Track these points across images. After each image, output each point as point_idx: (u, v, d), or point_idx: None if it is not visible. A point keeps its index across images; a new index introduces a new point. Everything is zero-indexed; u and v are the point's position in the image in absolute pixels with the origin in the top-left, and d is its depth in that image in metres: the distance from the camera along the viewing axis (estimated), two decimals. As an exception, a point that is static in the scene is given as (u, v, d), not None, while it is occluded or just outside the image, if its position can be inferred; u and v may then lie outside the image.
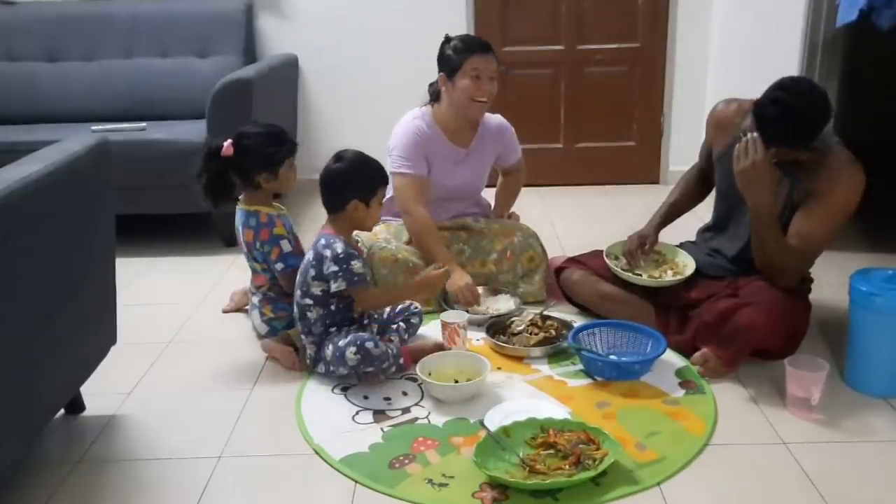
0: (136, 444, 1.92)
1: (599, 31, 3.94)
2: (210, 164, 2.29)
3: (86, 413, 2.03)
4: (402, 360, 2.14)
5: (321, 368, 2.15)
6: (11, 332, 1.50)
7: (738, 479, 1.71)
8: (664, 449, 1.79)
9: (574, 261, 2.54)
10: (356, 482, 1.72)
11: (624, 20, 3.92)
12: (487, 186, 2.90)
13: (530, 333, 2.30)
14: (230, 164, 2.30)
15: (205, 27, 3.75)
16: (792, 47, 2.90)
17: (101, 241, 1.90)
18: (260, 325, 2.40)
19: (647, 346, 2.18)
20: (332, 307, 2.14)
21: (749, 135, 2.03)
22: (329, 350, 2.10)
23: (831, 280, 2.51)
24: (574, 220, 3.57)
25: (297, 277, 2.18)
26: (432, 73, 2.63)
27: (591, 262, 2.49)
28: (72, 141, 1.79)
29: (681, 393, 2.04)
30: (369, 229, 2.29)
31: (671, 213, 2.53)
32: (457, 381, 2.06)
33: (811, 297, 2.27)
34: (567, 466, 1.68)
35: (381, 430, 1.91)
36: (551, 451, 1.74)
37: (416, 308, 2.34)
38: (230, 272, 2.97)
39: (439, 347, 2.24)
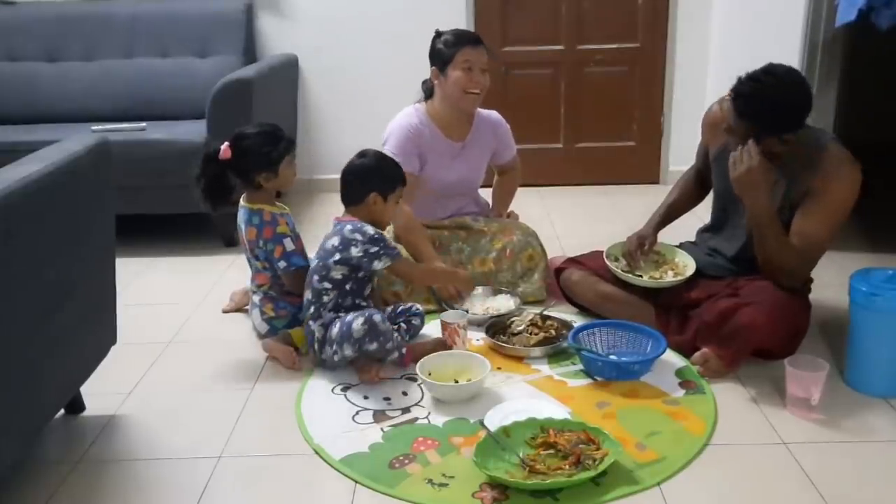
0: (135, 444, 1.92)
1: (599, 31, 3.94)
2: (209, 168, 2.29)
3: (86, 413, 2.03)
4: (404, 350, 2.16)
5: (326, 352, 2.15)
6: (11, 332, 1.50)
7: (738, 479, 1.71)
8: (664, 449, 1.79)
9: (574, 261, 2.54)
10: (356, 482, 1.72)
11: (624, 20, 3.92)
12: (484, 186, 2.90)
13: (530, 333, 2.30)
14: (229, 167, 2.30)
15: (205, 27, 3.75)
16: (792, 47, 2.90)
17: (101, 241, 1.90)
18: (260, 323, 2.40)
19: (647, 346, 2.18)
20: (348, 287, 2.18)
21: (746, 145, 2.05)
22: (336, 328, 2.12)
23: (831, 280, 2.50)
24: (574, 220, 3.57)
25: (317, 263, 2.20)
26: (432, 72, 2.63)
27: (590, 262, 2.49)
28: (72, 141, 1.79)
29: (681, 393, 2.04)
30: (383, 227, 2.29)
31: (670, 213, 2.53)
32: (457, 381, 2.06)
33: (811, 296, 2.27)
34: (567, 466, 1.68)
35: (381, 430, 1.91)
36: (551, 451, 1.74)
37: (418, 310, 2.34)
38: (230, 272, 2.97)
39: (441, 345, 2.25)
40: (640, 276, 2.37)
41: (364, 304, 2.23)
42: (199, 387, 2.17)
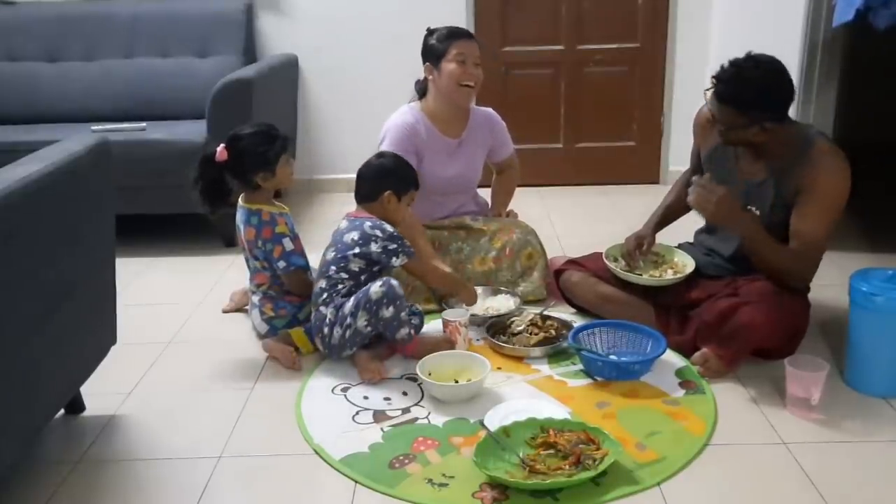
0: (135, 444, 1.92)
1: (599, 31, 3.94)
2: (206, 171, 2.29)
3: (86, 413, 2.03)
4: (413, 332, 2.20)
5: (335, 334, 2.16)
6: (11, 332, 1.50)
7: (738, 479, 1.71)
8: (664, 449, 1.79)
9: (573, 263, 2.54)
10: (356, 482, 1.72)
11: (624, 20, 3.92)
12: (482, 186, 2.90)
13: (530, 333, 2.30)
14: (226, 169, 2.30)
15: (205, 27, 3.75)
16: (792, 47, 2.90)
17: (101, 241, 1.90)
18: (260, 323, 2.40)
19: (647, 346, 2.18)
20: (363, 278, 2.21)
21: (694, 183, 2.08)
22: (351, 301, 2.15)
23: (831, 280, 2.51)
24: (574, 220, 3.57)
25: (334, 255, 2.22)
26: (432, 73, 2.63)
27: (590, 264, 2.49)
28: (72, 141, 1.79)
29: (681, 393, 2.04)
30: (396, 225, 2.30)
31: (667, 215, 2.53)
32: (457, 381, 2.07)
33: (811, 296, 2.27)
34: (567, 466, 1.68)
35: (381, 430, 1.91)
36: (551, 451, 1.74)
37: (417, 309, 2.34)
38: (230, 272, 2.97)
39: (445, 341, 2.26)
40: (641, 275, 2.37)
41: None
42: (198, 387, 2.17)
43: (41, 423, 1.80)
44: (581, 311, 2.51)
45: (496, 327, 2.37)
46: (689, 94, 3.89)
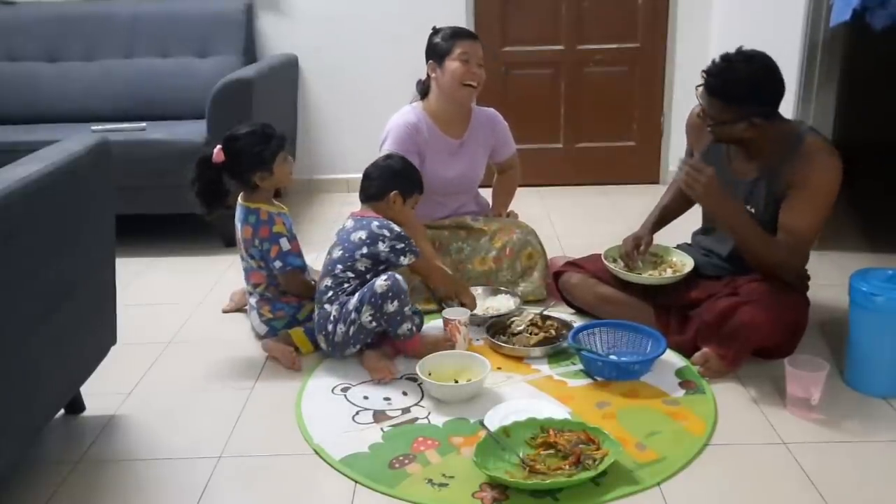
0: (135, 445, 1.92)
1: (599, 31, 3.94)
2: (203, 173, 2.29)
3: (86, 413, 2.03)
4: (415, 328, 2.20)
5: (339, 331, 2.16)
6: (10, 332, 1.50)
7: (738, 479, 1.71)
8: (664, 449, 1.79)
9: (572, 264, 2.54)
10: (356, 482, 1.72)
11: (624, 20, 3.92)
12: (484, 186, 2.90)
13: (530, 333, 2.30)
14: (224, 170, 2.30)
15: (205, 27, 3.75)
16: (792, 47, 2.90)
17: (101, 241, 1.90)
18: (259, 325, 2.40)
19: (646, 346, 2.18)
20: (368, 277, 2.21)
21: (683, 161, 2.10)
22: (356, 297, 2.16)
23: (831, 280, 2.51)
24: (574, 220, 3.58)
25: (340, 254, 2.22)
26: (432, 73, 2.63)
27: (589, 265, 2.49)
28: (72, 141, 1.79)
29: (681, 393, 2.04)
30: (399, 226, 2.30)
31: (665, 215, 2.53)
32: (457, 381, 2.07)
33: (811, 296, 2.27)
34: (567, 466, 1.68)
35: (381, 430, 1.91)
36: (551, 451, 1.74)
37: (416, 308, 2.34)
38: (230, 272, 2.97)
39: (446, 339, 2.26)
40: (640, 274, 2.37)
41: None
42: (199, 387, 2.17)
43: (41, 423, 1.80)
44: (580, 312, 2.51)
45: (496, 327, 2.37)
46: (689, 94, 3.83)
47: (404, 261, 2.23)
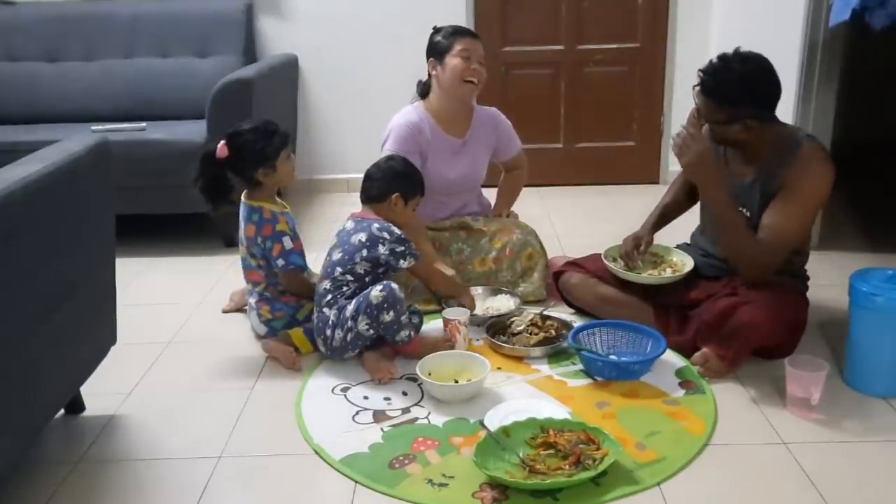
0: (135, 445, 1.92)
1: (599, 31, 3.95)
2: (207, 170, 2.29)
3: (86, 413, 2.03)
4: (413, 333, 2.19)
5: (337, 336, 2.16)
6: (11, 332, 1.50)
7: (738, 479, 1.71)
8: (664, 449, 1.79)
9: (572, 264, 2.54)
10: (356, 482, 1.72)
11: (624, 20, 3.92)
12: (488, 186, 2.90)
13: (530, 333, 2.30)
14: (227, 166, 2.30)
15: (205, 27, 3.75)
16: (792, 47, 2.90)
17: (101, 241, 1.90)
18: (259, 325, 2.40)
19: (646, 346, 2.18)
20: (367, 280, 2.21)
21: (682, 128, 2.09)
22: (353, 304, 2.15)
23: (831, 280, 2.51)
24: (574, 220, 3.58)
25: (340, 256, 2.22)
26: (432, 73, 2.63)
27: (589, 265, 2.49)
28: (72, 141, 1.79)
29: (681, 393, 2.04)
30: (400, 227, 2.30)
31: (665, 214, 2.53)
32: (457, 381, 2.07)
33: (811, 296, 2.27)
34: (567, 466, 1.68)
35: (381, 430, 1.91)
36: (551, 451, 1.74)
37: (416, 308, 2.34)
38: (230, 272, 2.97)
39: (446, 339, 2.26)
40: (640, 274, 2.37)
41: None
42: (199, 387, 2.17)
43: (41, 423, 1.80)
44: (580, 312, 2.51)
45: (496, 327, 2.37)
46: (688, 94, 3.84)
47: (403, 264, 2.22)
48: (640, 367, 2.11)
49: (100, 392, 2.06)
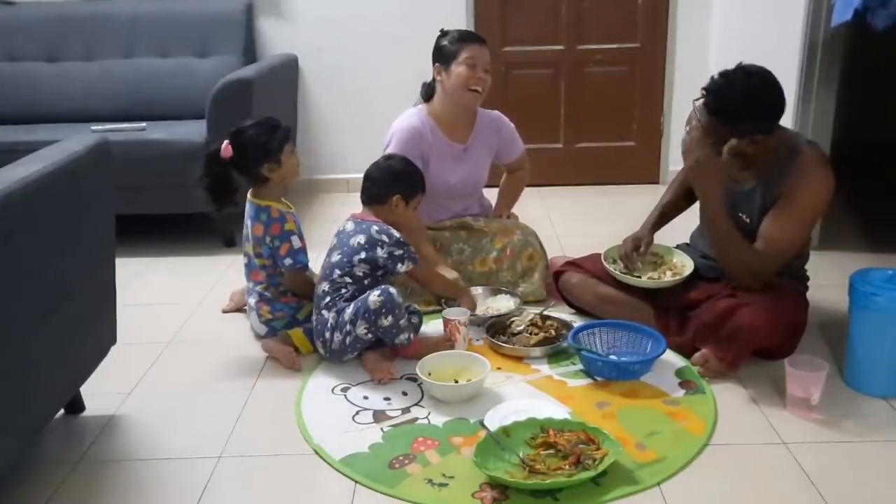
0: (135, 445, 1.92)
1: (599, 31, 3.95)
2: (212, 169, 2.29)
3: (86, 413, 2.03)
4: (412, 336, 2.19)
5: (336, 339, 2.16)
6: (11, 332, 1.50)
7: (738, 479, 1.71)
8: (664, 449, 1.79)
9: (572, 264, 2.54)
10: (356, 482, 1.72)
11: (624, 20, 3.92)
12: (490, 186, 2.90)
13: (530, 333, 2.30)
14: (232, 165, 2.30)
15: (205, 27, 3.75)
16: (792, 47, 2.90)
17: (101, 241, 1.90)
18: (259, 326, 2.40)
19: (647, 346, 2.18)
20: (366, 283, 2.21)
21: (690, 129, 2.07)
22: (351, 307, 2.14)
23: (831, 280, 2.51)
24: (574, 220, 3.58)
25: (339, 258, 2.21)
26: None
27: (589, 265, 2.49)
28: (72, 141, 1.79)
29: (681, 393, 2.04)
30: (400, 229, 2.30)
31: (665, 213, 2.53)
32: (457, 381, 2.07)
33: (811, 296, 2.27)
34: (567, 466, 1.68)
35: (381, 430, 1.91)
36: (551, 451, 1.74)
37: (416, 308, 2.34)
38: (230, 272, 2.97)
39: (445, 339, 2.26)
40: (639, 276, 2.37)
41: None
42: (199, 387, 2.17)
43: (41, 423, 1.80)
44: (580, 312, 2.51)
45: (496, 327, 2.37)
46: (688, 94, 3.82)
47: (401, 268, 2.22)
48: (640, 367, 2.11)
49: (100, 392, 2.06)
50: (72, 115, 3.59)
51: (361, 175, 2.36)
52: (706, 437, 1.84)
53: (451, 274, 2.50)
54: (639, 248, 2.43)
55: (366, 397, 2.07)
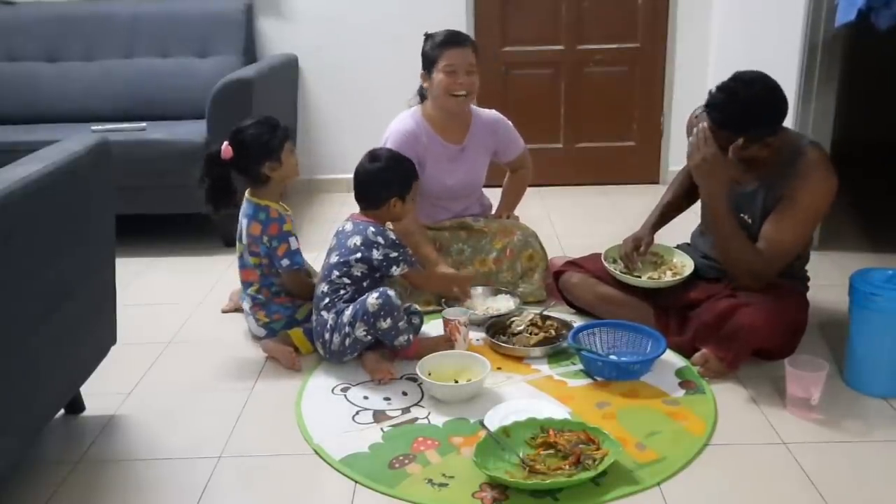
0: (135, 445, 1.92)
1: (599, 31, 3.95)
2: (212, 170, 2.29)
3: (86, 413, 2.03)
4: (411, 337, 2.18)
5: (335, 340, 2.16)
6: (11, 332, 1.50)
7: (738, 479, 1.71)
8: (664, 449, 1.79)
9: (572, 264, 2.54)
10: (356, 482, 1.72)
11: (624, 20, 3.92)
12: (493, 186, 2.89)
13: (530, 333, 2.30)
14: (233, 166, 2.30)
15: (205, 27, 3.75)
16: (792, 47, 2.90)
17: (101, 241, 1.90)
18: (257, 329, 2.39)
19: (647, 347, 2.18)
20: (365, 284, 2.21)
21: (698, 128, 2.08)
22: (350, 309, 2.14)
23: (831, 280, 2.51)
24: (574, 220, 3.58)
25: (337, 259, 2.21)
26: (432, 73, 2.63)
27: (589, 264, 2.49)
28: (72, 141, 1.79)
29: (681, 393, 2.04)
30: (401, 230, 2.29)
31: (665, 213, 2.53)
32: (457, 381, 2.07)
33: (811, 296, 2.27)
34: (567, 466, 1.68)
35: (381, 430, 1.91)
36: (551, 451, 1.74)
37: (416, 308, 2.34)
38: (230, 272, 2.96)
39: (445, 339, 2.26)
40: (639, 276, 2.37)
41: None
42: (198, 387, 2.17)
43: (41, 423, 1.80)
44: (580, 311, 2.51)
45: (496, 327, 2.37)
46: (689, 94, 3.89)
47: (396, 271, 2.21)
48: (640, 367, 2.11)
49: (100, 392, 2.06)
50: (72, 115, 3.59)
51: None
52: (706, 437, 1.84)
53: (450, 272, 2.50)
54: (639, 248, 2.43)
55: (366, 397, 2.07)
